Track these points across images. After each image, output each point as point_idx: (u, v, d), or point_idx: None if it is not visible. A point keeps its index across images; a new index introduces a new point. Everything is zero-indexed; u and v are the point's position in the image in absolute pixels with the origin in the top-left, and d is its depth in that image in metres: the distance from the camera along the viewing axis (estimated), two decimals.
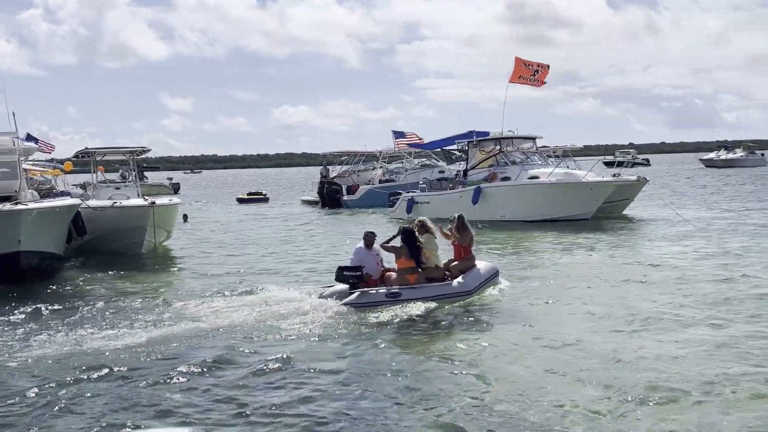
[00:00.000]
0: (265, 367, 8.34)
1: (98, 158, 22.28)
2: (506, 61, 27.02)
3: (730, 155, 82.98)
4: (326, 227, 27.45)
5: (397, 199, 29.17)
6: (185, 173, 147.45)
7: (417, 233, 11.74)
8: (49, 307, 12.03)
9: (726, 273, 13.49)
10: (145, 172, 56.93)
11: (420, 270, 11.63)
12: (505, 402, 7.12)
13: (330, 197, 37.81)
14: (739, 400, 6.95)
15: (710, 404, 6.86)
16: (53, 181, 26.17)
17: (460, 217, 12.40)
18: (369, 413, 6.97)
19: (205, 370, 8.32)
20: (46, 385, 7.85)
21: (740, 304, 10.93)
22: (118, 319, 11.05)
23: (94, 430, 6.64)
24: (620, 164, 31.85)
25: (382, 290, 11.43)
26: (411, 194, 28.57)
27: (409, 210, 27.97)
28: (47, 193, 21.89)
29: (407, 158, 41.28)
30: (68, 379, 8.07)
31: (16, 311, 11.72)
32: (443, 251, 12.38)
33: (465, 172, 27.75)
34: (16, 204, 14.84)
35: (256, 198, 46.42)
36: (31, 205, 14.97)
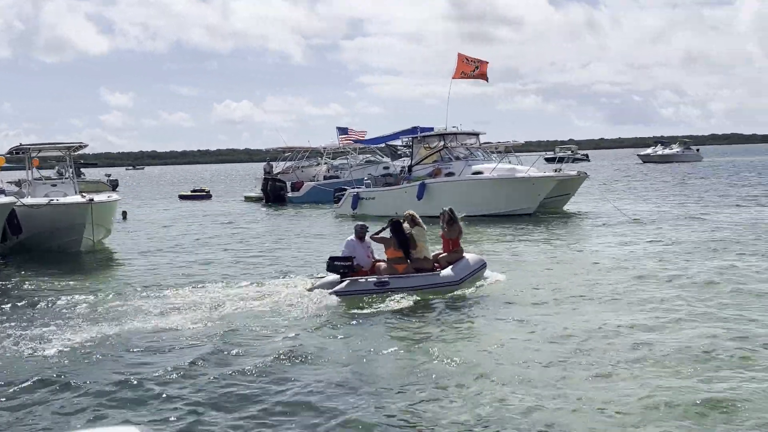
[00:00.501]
0: (233, 359, 8.26)
1: (33, 154, 21.63)
2: (450, 58, 27.37)
3: (667, 151, 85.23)
4: (270, 224, 27.22)
5: (342, 195, 29.10)
6: (127, 169, 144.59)
7: (408, 225, 12.13)
8: None
9: (672, 264, 13.99)
10: (82, 169, 55.52)
11: (408, 260, 11.99)
12: (480, 386, 7.23)
13: (274, 194, 37.54)
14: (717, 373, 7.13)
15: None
16: None
17: (450, 211, 12.78)
18: (349, 404, 7.01)
19: (160, 366, 8.15)
20: None
21: (698, 288, 11.59)
22: (59, 319, 10.70)
23: None
24: (561, 160, 32.47)
25: (371, 279, 11.78)
26: (356, 190, 28.54)
27: (354, 206, 27.96)
28: None
29: (352, 154, 41.22)
30: (10, 380, 7.81)
31: None
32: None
33: (409, 167, 27.86)
34: None
35: (199, 195, 45.77)
36: None
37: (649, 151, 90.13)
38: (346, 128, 41.79)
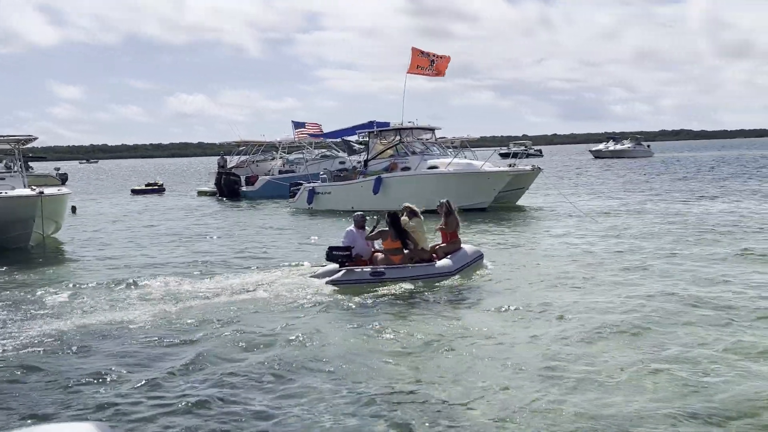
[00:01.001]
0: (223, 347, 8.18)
1: None
2: (406, 52, 27.12)
3: (618, 146, 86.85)
4: (224, 218, 26.96)
5: (298, 189, 28.97)
6: (81, 163, 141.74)
7: (407, 217, 12.45)
8: None
9: (620, 252, 14.33)
10: (30, 163, 54.24)
11: (405, 251, 12.25)
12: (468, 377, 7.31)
13: (228, 188, 37.18)
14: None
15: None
16: None
17: (447, 203, 13.11)
18: (334, 392, 7.07)
19: (116, 361, 8.02)
20: None
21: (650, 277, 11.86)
22: (8, 315, 10.45)
23: None
24: (515, 155, 32.89)
25: (367, 269, 11.99)
26: (312, 185, 28.45)
27: (309, 201, 27.87)
28: None
29: (307, 149, 41.03)
30: None
31: None
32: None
33: (365, 162, 27.87)
34: None
35: (152, 189, 45.11)
36: None
37: (600, 146, 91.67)
38: (303, 122, 41.55)
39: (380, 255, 12.41)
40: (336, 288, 11.54)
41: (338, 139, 34.71)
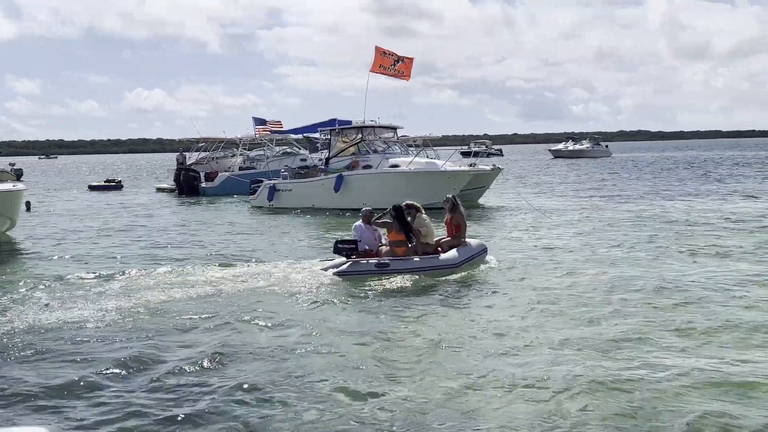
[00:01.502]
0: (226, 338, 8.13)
1: None
2: (369, 51, 27.22)
3: (577, 146, 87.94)
4: (183, 215, 26.65)
5: (258, 186, 28.78)
6: (40, 159, 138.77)
7: (413, 212, 12.86)
8: None
9: (576, 249, 14.56)
10: None
11: (409, 244, 12.55)
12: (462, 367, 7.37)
13: (187, 184, 36.75)
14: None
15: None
16: None
17: (453, 198, 13.53)
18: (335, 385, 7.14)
19: (72, 362, 7.88)
20: None
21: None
22: None
23: None
24: (476, 154, 33.09)
25: (373, 261, 12.35)
26: (272, 182, 28.29)
27: (270, 198, 27.72)
28: None
29: (268, 146, 40.79)
30: None
31: None
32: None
33: (327, 160, 27.81)
34: None
35: (110, 185, 44.43)
36: None
37: (560, 146, 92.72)
38: (264, 119, 41.28)
39: (384, 248, 12.81)
40: (342, 279, 11.98)
41: (300, 136, 34.54)
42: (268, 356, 8.07)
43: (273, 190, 27.75)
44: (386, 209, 13.20)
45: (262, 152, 40.20)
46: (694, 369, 7.28)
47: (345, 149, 27.48)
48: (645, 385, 6.84)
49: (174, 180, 38.27)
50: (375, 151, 26.71)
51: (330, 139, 28.37)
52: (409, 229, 12.60)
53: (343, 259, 12.47)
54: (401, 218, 12.58)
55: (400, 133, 30.42)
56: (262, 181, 28.96)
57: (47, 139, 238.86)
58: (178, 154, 43.02)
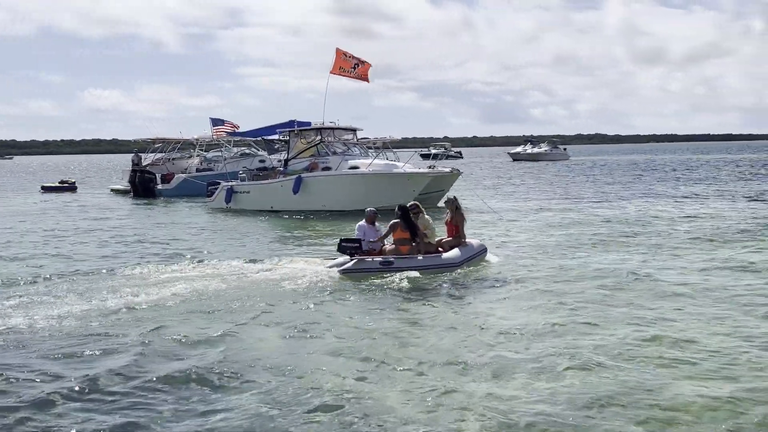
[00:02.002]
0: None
1: None
2: (329, 52, 26.95)
3: (536, 149, 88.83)
4: (138, 217, 26.15)
5: (216, 188, 28.41)
6: None
7: (420, 211, 13.25)
8: None
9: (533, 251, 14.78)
10: None
11: (414, 243, 12.91)
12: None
13: (143, 186, 36.06)
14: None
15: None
16: None
17: (454, 199, 13.87)
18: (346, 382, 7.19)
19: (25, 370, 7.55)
20: None
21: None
22: None
23: None
24: (435, 156, 33.11)
25: (378, 258, 12.69)
26: (230, 183, 27.95)
27: (228, 200, 27.38)
28: None
29: (226, 147, 40.26)
30: None
31: None
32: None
33: (286, 161, 27.56)
34: None
35: (63, 187, 43.43)
36: None
37: (519, 149, 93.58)
38: (222, 120, 40.72)
39: (388, 246, 13.14)
40: (346, 277, 12.25)
41: (258, 138, 34.18)
42: (272, 354, 8.10)
43: (230, 192, 27.41)
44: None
45: (219, 153, 39.66)
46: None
47: (304, 151, 27.26)
48: (632, 370, 7.27)
49: (129, 182, 37.48)
50: (334, 153, 26.54)
51: (289, 141, 28.13)
52: (415, 229, 12.95)
53: (347, 257, 12.77)
54: (407, 218, 12.95)
55: (360, 135, 30.30)
56: (219, 183, 28.61)
57: None
58: (132, 155, 42.21)
